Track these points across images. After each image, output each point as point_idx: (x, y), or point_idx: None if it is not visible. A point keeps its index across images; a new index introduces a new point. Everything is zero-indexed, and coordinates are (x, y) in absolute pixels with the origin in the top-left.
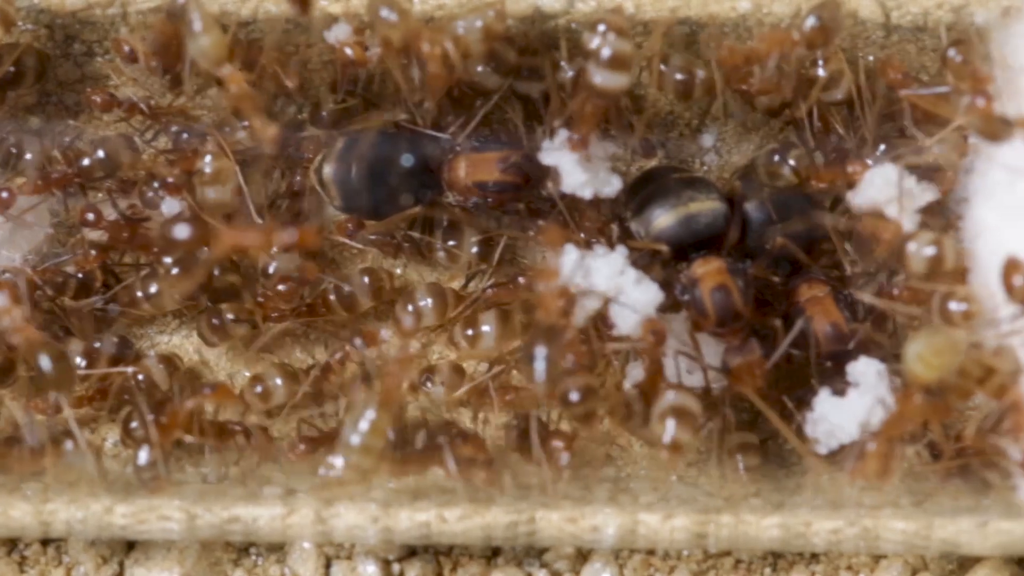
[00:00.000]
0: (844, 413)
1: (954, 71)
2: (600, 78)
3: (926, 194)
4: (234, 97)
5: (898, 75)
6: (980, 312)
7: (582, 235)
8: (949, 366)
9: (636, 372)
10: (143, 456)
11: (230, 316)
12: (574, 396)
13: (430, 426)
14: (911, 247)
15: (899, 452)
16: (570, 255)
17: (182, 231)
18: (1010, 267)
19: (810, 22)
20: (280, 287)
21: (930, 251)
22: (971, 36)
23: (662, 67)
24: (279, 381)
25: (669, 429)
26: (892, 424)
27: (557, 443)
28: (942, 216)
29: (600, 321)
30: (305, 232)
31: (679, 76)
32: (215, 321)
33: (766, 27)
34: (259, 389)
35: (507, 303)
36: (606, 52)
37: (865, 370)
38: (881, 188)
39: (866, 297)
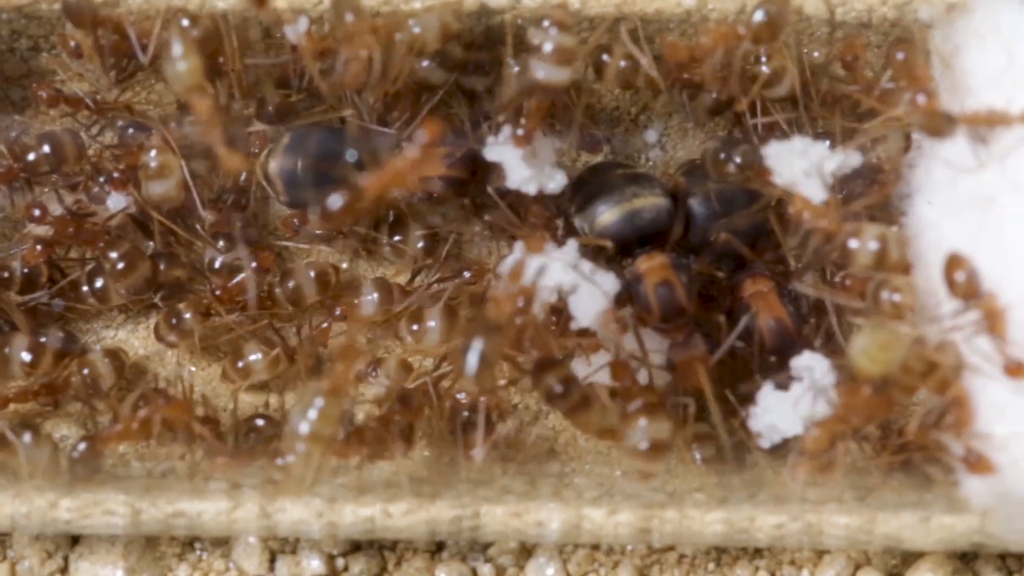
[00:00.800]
0: (787, 407)
1: (897, 68)
2: (543, 72)
3: (850, 159)
4: (202, 124)
5: (850, 57)
6: (913, 303)
7: (527, 228)
8: (894, 361)
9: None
10: (80, 448)
11: (188, 315)
12: (558, 388)
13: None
14: (853, 244)
15: (842, 447)
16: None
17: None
18: (952, 263)
19: (758, 17)
20: (236, 280)
21: (874, 246)
22: (914, 33)
23: (604, 57)
24: (259, 355)
25: (639, 461)
26: (835, 419)
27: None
28: (886, 211)
29: (559, 316)
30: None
31: (623, 64)
32: (174, 320)
33: (711, 23)
34: (240, 365)
35: (456, 298)
36: (548, 47)
37: (808, 364)
38: (794, 161)
39: (807, 288)
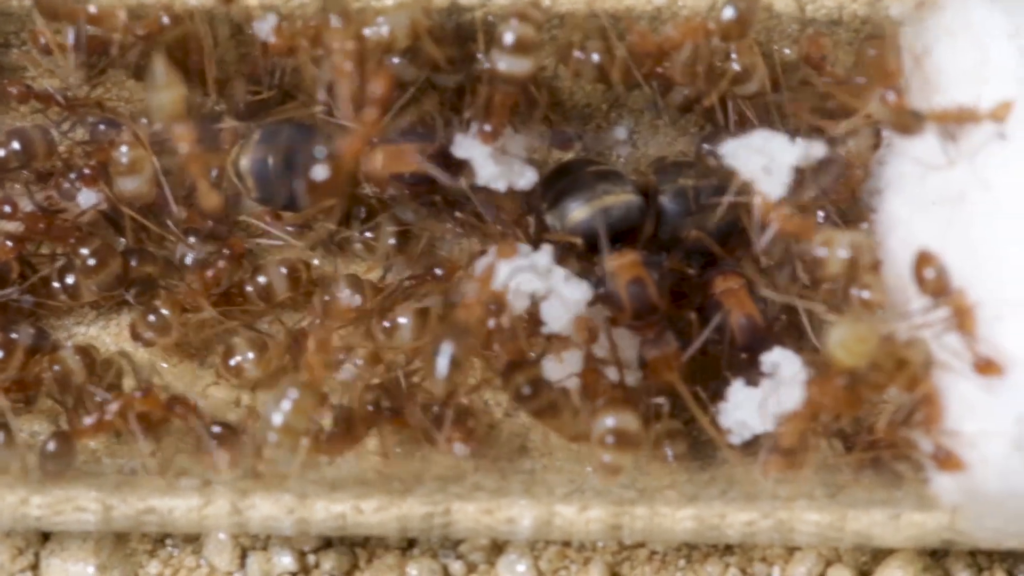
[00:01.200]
0: (757, 404)
1: (867, 65)
2: (504, 64)
3: (814, 150)
4: (184, 156)
5: (816, 56)
6: (883, 301)
7: (499, 228)
8: (870, 353)
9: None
10: (51, 445)
11: (165, 311)
12: (527, 390)
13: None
14: (822, 252)
15: (812, 443)
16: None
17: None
18: (921, 260)
19: (727, 13)
20: (208, 273)
21: (844, 254)
22: (885, 30)
23: (577, 53)
24: (251, 354)
25: (607, 456)
26: (805, 413)
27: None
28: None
29: (531, 318)
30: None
31: (596, 58)
32: (152, 319)
33: (681, 20)
34: (232, 363)
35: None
36: (509, 38)
37: (779, 361)
38: (752, 157)
39: (770, 293)
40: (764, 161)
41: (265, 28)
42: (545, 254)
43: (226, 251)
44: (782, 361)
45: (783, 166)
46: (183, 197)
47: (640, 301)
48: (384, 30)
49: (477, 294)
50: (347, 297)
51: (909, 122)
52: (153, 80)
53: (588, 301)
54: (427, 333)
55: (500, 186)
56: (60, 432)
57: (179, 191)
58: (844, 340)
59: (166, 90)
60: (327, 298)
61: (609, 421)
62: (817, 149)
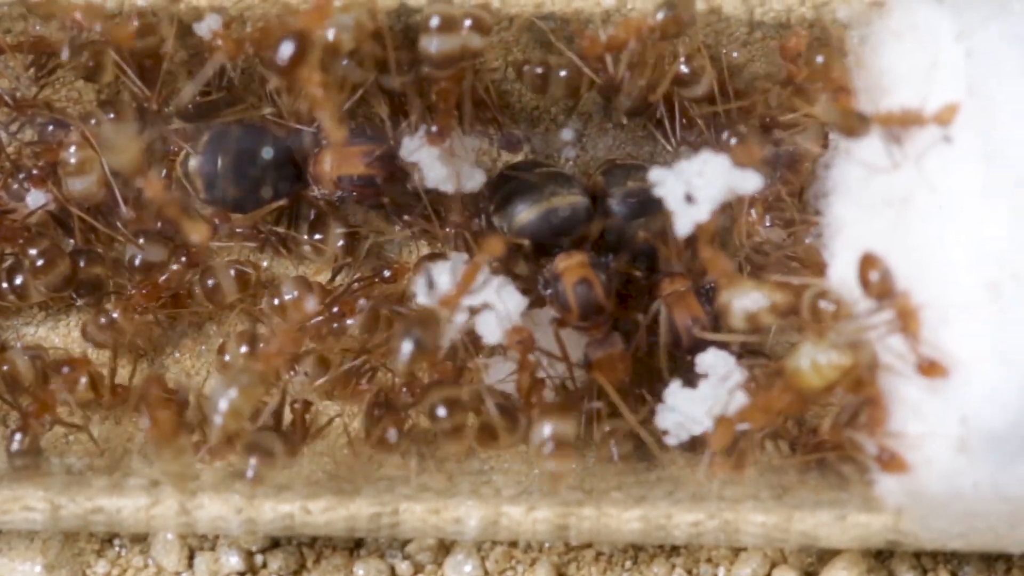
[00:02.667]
0: (695, 405)
1: (814, 68)
2: (434, 45)
3: (747, 182)
4: (158, 202)
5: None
6: (849, 312)
7: (448, 230)
8: (838, 378)
9: (497, 375)
10: (15, 443)
11: (116, 314)
12: (441, 411)
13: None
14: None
15: (753, 444)
16: (434, 268)
17: None
18: (866, 263)
19: (661, 13)
20: (161, 277)
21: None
22: (832, 33)
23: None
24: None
25: (548, 464)
26: (744, 415)
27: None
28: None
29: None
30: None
31: (538, 70)
32: (103, 320)
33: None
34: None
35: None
36: (435, 20)
37: (714, 362)
38: (676, 185)
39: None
40: (687, 189)
41: (204, 28)
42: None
43: (184, 259)
44: (716, 362)
45: (712, 191)
46: (132, 198)
47: (587, 302)
48: (329, 33)
49: (456, 292)
50: (296, 301)
51: (854, 124)
52: (107, 142)
53: (523, 310)
54: (376, 333)
55: (448, 188)
56: (22, 425)
57: (128, 192)
58: (817, 361)
59: (123, 152)
60: (276, 300)
61: (546, 430)
62: (752, 180)
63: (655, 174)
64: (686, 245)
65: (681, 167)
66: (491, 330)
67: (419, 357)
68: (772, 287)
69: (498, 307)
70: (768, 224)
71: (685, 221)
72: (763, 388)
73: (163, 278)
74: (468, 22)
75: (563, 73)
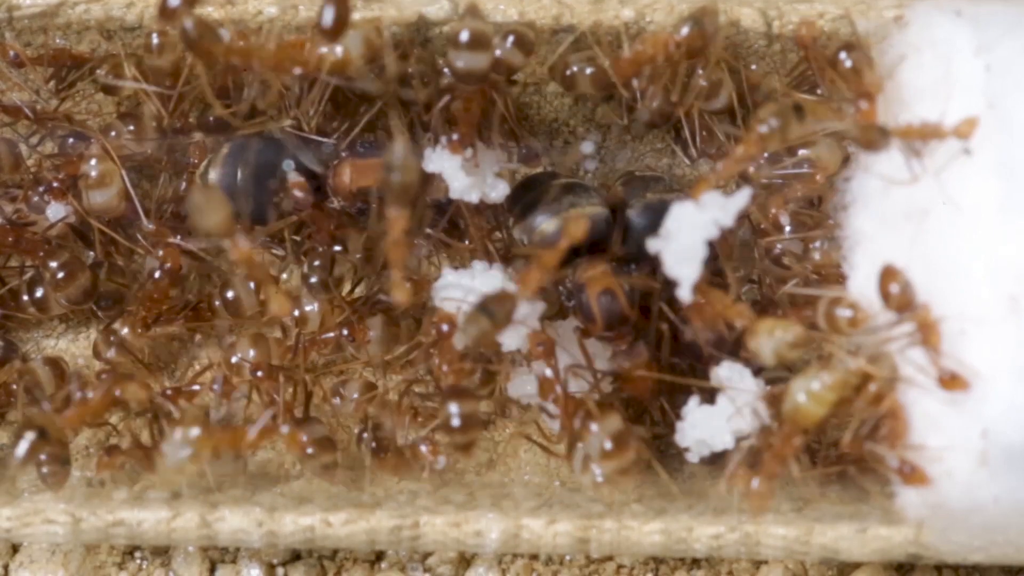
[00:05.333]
0: (715, 421)
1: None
2: (461, 61)
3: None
4: (244, 268)
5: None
6: (866, 318)
7: (467, 242)
8: (838, 399)
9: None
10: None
11: (125, 331)
12: (455, 422)
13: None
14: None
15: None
16: (449, 276)
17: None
18: (886, 275)
19: (685, 29)
20: (148, 286)
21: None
22: (860, 43)
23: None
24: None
25: (610, 463)
26: (763, 468)
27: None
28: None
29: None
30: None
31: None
32: (112, 339)
33: (649, 34)
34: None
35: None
36: (464, 35)
37: (729, 375)
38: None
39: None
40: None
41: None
42: (498, 272)
43: (166, 265)
44: (732, 375)
45: (694, 242)
46: (151, 211)
47: (611, 312)
48: (338, 50)
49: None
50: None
51: (875, 138)
52: (196, 205)
53: (541, 316)
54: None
55: (472, 198)
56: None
57: (147, 204)
58: (812, 392)
59: (213, 215)
60: (296, 312)
61: (599, 430)
62: (741, 198)
63: (651, 244)
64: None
65: (665, 230)
66: (510, 336)
67: (488, 331)
68: (787, 323)
69: (518, 312)
70: (788, 229)
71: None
72: (773, 436)
73: (149, 287)
74: (511, 39)
75: (590, 70)
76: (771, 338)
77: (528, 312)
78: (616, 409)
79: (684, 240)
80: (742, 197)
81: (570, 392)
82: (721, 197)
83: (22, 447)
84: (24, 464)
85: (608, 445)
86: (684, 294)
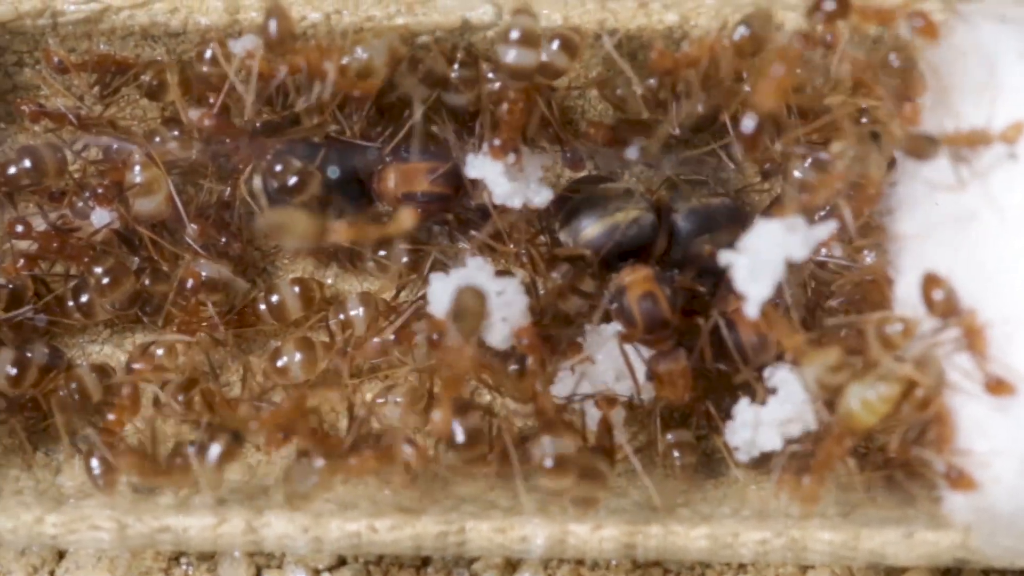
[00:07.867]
0: (764, 422)
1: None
2: (511, 55)
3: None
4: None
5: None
6: (917, 324)
7: (512, 246)
8: (891, 408)
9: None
10: (94, 463)
11: (160, 352)
12: (460, 437)
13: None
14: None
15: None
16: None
17: None
18: (929, 282)
19: (741, 31)
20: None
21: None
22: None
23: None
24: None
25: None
26: (812, 472)
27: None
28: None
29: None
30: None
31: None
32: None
33: (693, 39)
34: (280, 363)
35: None
36: (514, 33)
37: (784, 377)
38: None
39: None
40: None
41: (239, 47)
42: (481, 268)
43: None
44: (787, 378)
45: (773, 261)
46: (195, 216)
47: (651, 316)
48: (363, 56)
49: None
50: (355, 319)
51: (923, 146)
52: (275, 228)
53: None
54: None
55: (515, 203)
56: (96, 445)
57: (191, 209)
58: (867, 400)
59: (298, 232)
60: (341, 316)
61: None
62: (822, 231)
63: (722, 257)
64: None
65: (743, 244)
66: (497, 334)
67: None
68: (827, 352)
69: (504, 311)
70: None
71: (759, 291)
72: (823, 440)
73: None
74: (556, 42)
75: (639, 91)
76: (813, 367)
77: (514, 309)
78: (578, 434)
79: (763, 257)
80: (826, 229)
81: (550, 393)
82: (804, 224)
83: (214, 450)
84: (219, 467)
85: (548, 463)
86: (751, 310)
